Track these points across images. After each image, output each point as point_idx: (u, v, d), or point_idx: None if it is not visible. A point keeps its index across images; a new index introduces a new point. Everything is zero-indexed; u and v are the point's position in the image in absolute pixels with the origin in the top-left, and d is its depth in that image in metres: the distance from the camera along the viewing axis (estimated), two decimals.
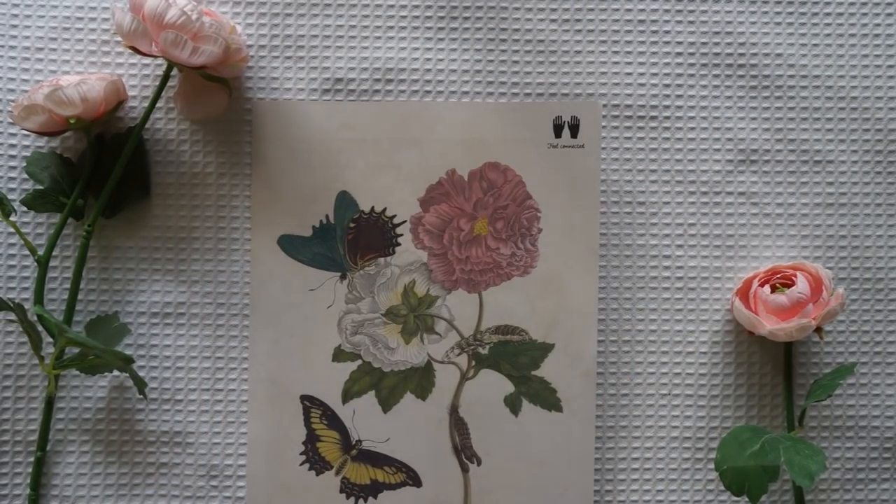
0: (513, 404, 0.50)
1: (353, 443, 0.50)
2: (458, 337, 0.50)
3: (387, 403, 0.50)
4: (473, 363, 0.50)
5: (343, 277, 0.50)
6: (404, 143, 0.50)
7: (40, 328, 0.47)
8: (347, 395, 0.50)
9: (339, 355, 0.50)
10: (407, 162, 0.50)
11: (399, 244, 0.50)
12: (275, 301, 0.50)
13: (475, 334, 0.50)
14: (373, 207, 0.50)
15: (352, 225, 0.50)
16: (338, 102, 0.51)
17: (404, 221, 0.50)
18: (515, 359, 0.50)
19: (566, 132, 0.50)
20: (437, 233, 0.50)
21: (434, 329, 0.50)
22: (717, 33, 0.52)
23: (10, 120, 0.48)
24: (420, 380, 0.50)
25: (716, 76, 0.52)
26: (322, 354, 0.50)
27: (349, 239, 0.50)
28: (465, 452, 0.50)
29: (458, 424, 0.50)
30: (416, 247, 0.50)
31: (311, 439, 0.50)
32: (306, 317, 0.50)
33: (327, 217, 0.50)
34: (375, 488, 0.50)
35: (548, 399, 0.50)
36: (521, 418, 0.50)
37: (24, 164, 0.49)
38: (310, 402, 0.50)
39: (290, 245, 0.50)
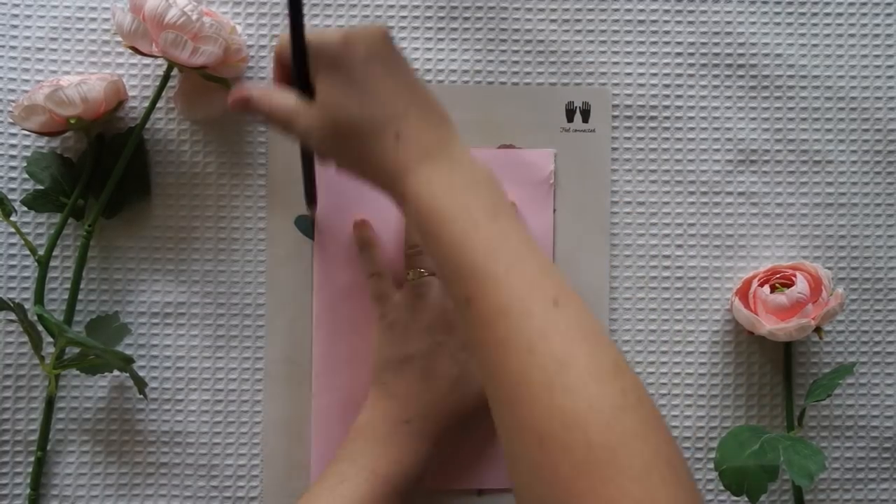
0: None
1: None
2: None
3: None
4: None
5: None
6: None
7: (40, 328, 0.47)
8: None
9: None
10: None
11: None
12: (291, 281, 0.50)
13: None
14: None
15: None
16: None
17: None
18: None
19: (578, 117, 0.51)
20: None
21: None
22: (717, 33, 0.52)
23: (11, 120, 0.48)
24: None
25: (716, 76, 0.52)
26: None
27: None
28: None
29: None
30: None
31: None
32: None
33: None
34: None
35: None
36: None
37: (25, 164, 0.49)
38: None
39: (307, 226, 0.51)
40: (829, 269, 0.51)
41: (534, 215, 0.50)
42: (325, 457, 0.50)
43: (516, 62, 0.51)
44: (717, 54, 0.52)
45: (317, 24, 0.51)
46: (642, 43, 0.52)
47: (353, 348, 0.50)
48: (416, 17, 0.51)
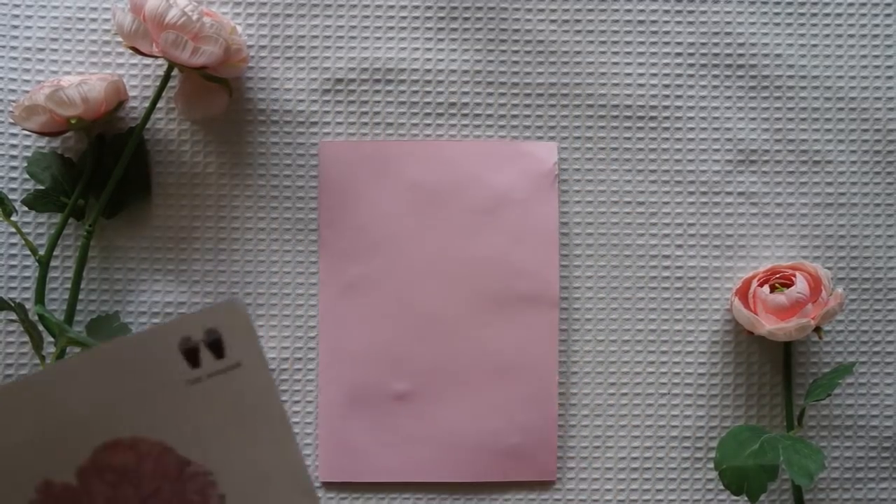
0: None
1: None
2: None
3: None
4: None
5: None
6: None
7: (41, 328, 0.47)
8: None
9: None
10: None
11: None
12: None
13: None
14: None
15: None
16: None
17: None
18: None
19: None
20: None
21: None
22: (717, 33, 0.52)
23: (11, 120, 0.48)
24: None
25: (716, 76, 0.52)
26: None
27: None
28: None
29: None
30: None
31: None
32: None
33: None
34: None
35: None
36: None
37: (25, 164, 0.49)
38: None
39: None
40: (829, 269, 0.51)
41: (538, 207, 0.50)
42: (331, 452, 0.50)
43: (516, 62, 0.51)
44: (717, 54, 0.52)
45: (316, 25, 0.51)
46: (642, 43, 0.52)
47: (360, 342, 0.50)
48: (416, 18, 0.51)
